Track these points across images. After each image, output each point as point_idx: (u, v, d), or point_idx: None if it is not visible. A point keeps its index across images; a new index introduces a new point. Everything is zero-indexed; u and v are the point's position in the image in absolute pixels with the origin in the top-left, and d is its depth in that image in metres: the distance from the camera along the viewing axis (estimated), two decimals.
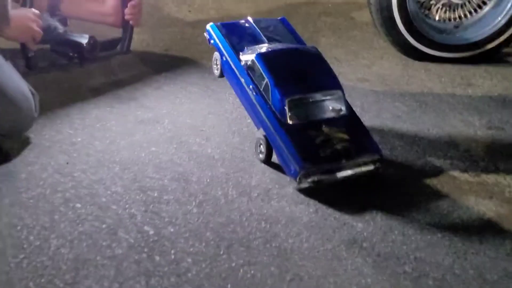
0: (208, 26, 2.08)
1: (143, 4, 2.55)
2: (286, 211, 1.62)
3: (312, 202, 1.66)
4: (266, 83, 1.79)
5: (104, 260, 1.41)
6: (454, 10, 2.74)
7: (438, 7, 2.73)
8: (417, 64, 2.69)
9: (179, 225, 1.55)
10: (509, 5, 2.64)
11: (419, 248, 1.49)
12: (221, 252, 1.45)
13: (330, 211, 1.63)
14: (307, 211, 1.62)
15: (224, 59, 1.98)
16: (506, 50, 2.76)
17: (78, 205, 1.61)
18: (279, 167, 1.80)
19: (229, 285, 1.35)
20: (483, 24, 2.71)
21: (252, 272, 1.39)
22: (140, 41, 2.80)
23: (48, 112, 2.10)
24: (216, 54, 2.03)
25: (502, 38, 2.67)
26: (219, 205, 1.64)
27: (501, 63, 2.72)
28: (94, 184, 1.71)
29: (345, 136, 1.70)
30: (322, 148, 1.67)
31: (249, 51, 1.91)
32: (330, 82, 1.84)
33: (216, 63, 2.04)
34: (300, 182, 1.66)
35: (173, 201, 1.65)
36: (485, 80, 2.54)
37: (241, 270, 1.40)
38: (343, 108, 1.79)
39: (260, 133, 1.82)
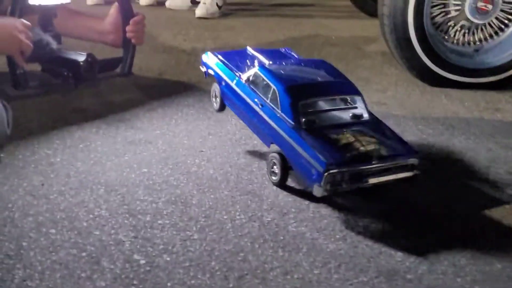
0: (203, 56, 1.84)
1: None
2: (307, 237, 1.33)
3: (338, 227, 1.37)
4: (273, 90, 1.54)
5: None
6: (473, 33, 2.53)
7: (457, 30, 2.52)
8: (435, 89, 2.45)
9: (176, 253, 1.25)
10: None
11: (477, 281, 1.20)
12: (231, 285, 1.16)
13: (360, 237, 1.34)
14: (333, 238, 1.33)
15: (223, 83, 1.72)
16: None
17: (53, 231, 1.32)
18: (295, 190, 1.53)
19: None
20: (505, 48, 2.50)
21: None
22: None
23: (24, 131, 1.83)
24: (215, 86, 1.77)
25: None
26: (225, 231, 1.35)
27: None
28: (73, 207, 1.42)
29: (373, 139, 1.43)
30: (346, 150, 1.39)
31: (250, 70, 1.67)
32: (347, 88, 1.60)
33: (215, 95, 1.78)
34: (325, 188, 1.35)
35: (169, 226, 1.36)
36: None
37: None
38: (365, 114, 1.53)
39: (272, 150, 1.55)
